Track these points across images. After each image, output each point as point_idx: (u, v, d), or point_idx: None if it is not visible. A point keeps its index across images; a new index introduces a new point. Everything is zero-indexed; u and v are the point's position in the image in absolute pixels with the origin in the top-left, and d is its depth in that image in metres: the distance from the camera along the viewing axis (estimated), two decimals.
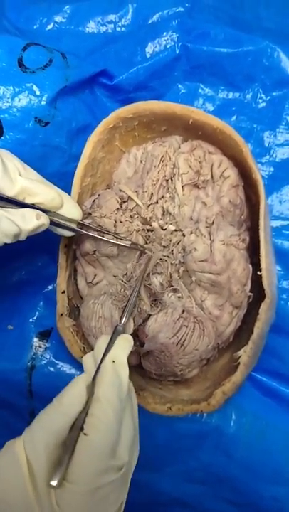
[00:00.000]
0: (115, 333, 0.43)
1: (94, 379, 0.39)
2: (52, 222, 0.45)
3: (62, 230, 0.48)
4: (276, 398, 0.56)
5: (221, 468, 0.56)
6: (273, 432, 0.55)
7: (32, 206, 0.43)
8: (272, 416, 0.56)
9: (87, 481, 0.34)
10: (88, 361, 0.41)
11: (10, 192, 0.42)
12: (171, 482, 0.58)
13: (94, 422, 0.36)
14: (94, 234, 0.50)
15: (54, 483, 0.33)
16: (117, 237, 0.51)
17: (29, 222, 0.41)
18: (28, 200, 0.43)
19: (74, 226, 0.48)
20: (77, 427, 0.36)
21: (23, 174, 0.43)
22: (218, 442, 0.56)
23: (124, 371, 0.39)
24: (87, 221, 0.51)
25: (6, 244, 0.42)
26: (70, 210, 0.47)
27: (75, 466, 0.34)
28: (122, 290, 0.52)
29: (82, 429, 0.36)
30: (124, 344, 0.41)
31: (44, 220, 0.43)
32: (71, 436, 0.36)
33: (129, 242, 0.51)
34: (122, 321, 0.45)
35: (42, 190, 0.43)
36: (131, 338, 0.42)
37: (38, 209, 0.43)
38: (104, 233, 0.51)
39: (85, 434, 0.35)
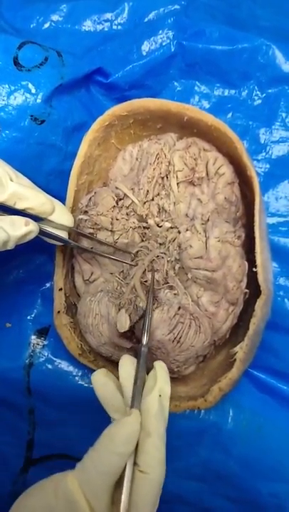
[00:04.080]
0: (141, 356, 0.43)
1: (132, 404, 0.39)
2: (43, 233, 0.45)
3: (52, 240, 0.47)
4: (273, 395, 0.56)
5: (220, 464, 0.56)
6: (271, 429, 0.55)
7: (22, 213, 0.43)
8: (270, 412, 0.56)
9: None
10: (126, 386, 0.41)
11: (0, 197, 0.41)
12: (170, 479, 0.57)
13: (150, 459, 0.36)
14: (84, 245, 0.51)
15: None
16: (109, 245, 0.52)
17: (18, 228, 0.41)
18: (19, 205, 0.42)
19: (66, 233, 0.48)
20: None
21: (14, 180, 0.43)
22: (216, 439, 0.56)
23: (167, 404, 0.39)
24: (84, 218, 0.51)
25: None
26: (62, 216, 0.46)
27: (137, 506, 0.35)
28: (119, 287, 0.52)
29: (135, 464, 0.36)
30: (167, 376, 0.42)
31: (33, 226, 0.42)
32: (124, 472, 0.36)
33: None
34: (144, 341, 0.45)
35: (32, 195, 0.43)
36: (165, 366, 0.43)
37: (29, 217, 0.43)
38: (96, 240, 0.51)
39: (141, 472, 0.35)
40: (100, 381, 0.42)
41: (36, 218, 0.44)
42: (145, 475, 0.35)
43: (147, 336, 0.45)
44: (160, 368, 0.42)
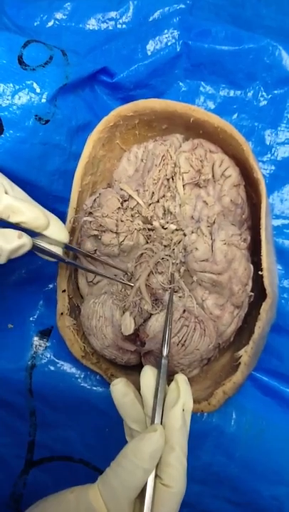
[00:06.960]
0: (162, 368, 0.43)
1: (152, 416, 0.40)
2: (37, 249, 0.44)
3: (47, 256, 0.46)
4: (276, 398, 0.56)
5: (221, 467, 0.56)
6: (273, 432, 0.55)
7: (16, 227, 0.42)
8: (273, 415, 0.56)
9: None
10: (147, 397, 0.42)
11: None
12: None
13: (174, 472, 0.36)
14: (78, 263, 0.52)
15: None
16: (104, 263, 0.52)
17: (11, 241, 0.40)
18: (12, 219, 0.41)
19: (61, 249, 0.47)
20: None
21: (9, 193, 0.42)
22: (218, 442, 0.56)
23: (189, 418, 0.39)
24: (88, 219, 0.51)
25: None
26: (57, 231, 0.45)
27: None
28: (123, 289, 0.52)
29: (156, 476, 0.37)
30: (190, 390, 0.42)
31: (26, 239, 0.41)
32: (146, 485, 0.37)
33: (114, 275, 0.52)
34: (164, 353, 0.44)
35: (26, 208, 0.42)
36: (186, 378, 0.43)
37: (24, 231, 0.42)
38: (91, 257, 0.51)
39: (164, 485, 0.36)
40: (121, 391, 0.42)
41: (31, 233, 0.43)
42: (168, 488, 0.36)
43: (168, 348, 0.44)
44: (182, 382, 0.42)
